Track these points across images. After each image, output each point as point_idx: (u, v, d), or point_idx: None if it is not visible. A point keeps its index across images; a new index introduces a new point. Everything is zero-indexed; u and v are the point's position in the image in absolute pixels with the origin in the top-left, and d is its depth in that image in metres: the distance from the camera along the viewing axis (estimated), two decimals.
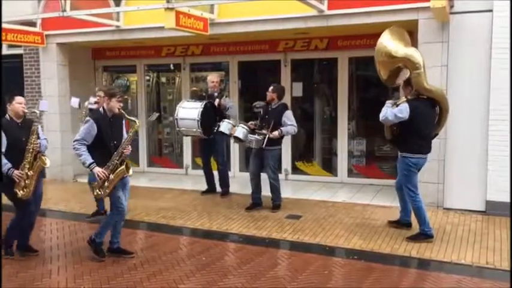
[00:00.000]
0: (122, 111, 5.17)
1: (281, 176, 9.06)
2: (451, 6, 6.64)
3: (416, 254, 5.32)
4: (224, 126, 7.30)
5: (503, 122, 6.47)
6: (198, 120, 7.37)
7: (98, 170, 4.97)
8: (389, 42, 5.63)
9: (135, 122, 5.14)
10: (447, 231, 6.02)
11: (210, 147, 7.93)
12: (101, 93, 6.25)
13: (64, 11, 7.43)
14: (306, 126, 9.35)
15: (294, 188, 8.52)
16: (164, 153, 10.74)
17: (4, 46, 10.26)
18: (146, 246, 5.83)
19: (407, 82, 5.74)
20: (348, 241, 5.76)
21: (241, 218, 6.80)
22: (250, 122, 7.22)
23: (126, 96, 10.53)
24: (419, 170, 5.82)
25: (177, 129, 7.78)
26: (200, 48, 9.61)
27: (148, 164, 10.46)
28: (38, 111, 5.34)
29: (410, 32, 7.73)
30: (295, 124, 6.96)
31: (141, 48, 9.99)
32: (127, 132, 5.31)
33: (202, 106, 7.46)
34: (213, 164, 8.23)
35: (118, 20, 8.63)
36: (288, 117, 6.93)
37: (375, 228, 6.20)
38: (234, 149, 9.47)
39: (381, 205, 7.25)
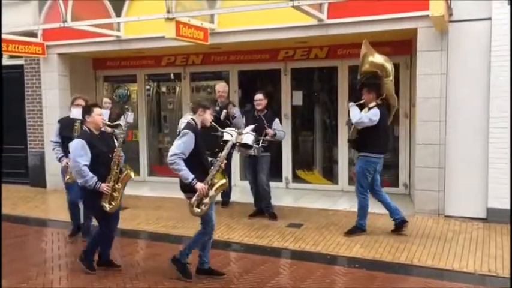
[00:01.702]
0: (214, 123, 5.03)
1: (282, 185, 9.11)
2: (450, 15, 6.69)
3: (418, 262, 5.31)
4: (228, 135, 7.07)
5: (503, 130, 6.49)
6: None
7: (200, 185, 4.68)
8: (370, 51, 6.19)
9: (231, 135, 4.99)
10: (449, 239, 6.02)
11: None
12: (81, 102, 6.16)
13: (65, 21, 7.47)
14: (306, 135, 9.37)
15: (294, 196, 8.52)
16: (165, 162, 10.73)
17: (5, 57, 10.32)
18: (148, 256, 5.82)
19: (372, 89, 6.07)
20: (349, 249, 5.75)
21: (243, 227, 6.79)
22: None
23: (126, 106, 10.58)
24: (377, 170, 6.21)
25: None
26: (200, 57, 9.66)
27: (149, 173, 10.47)
28: (123, 123, 5.18)
29: (409, 41, 7.84)
30: (284, 131, 7.21)
31: (142, 58, 10.05)
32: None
33: None
34: None
35: (119, 30, 8.69)
36: (278, 124, 7.09)
37: (376, 236, 6.19)
38: (235, 157, 9.46)
39: (382, 213, 7.19)
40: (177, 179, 10.17)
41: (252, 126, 6.39)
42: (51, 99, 9.60)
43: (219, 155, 4.92)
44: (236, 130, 7.00)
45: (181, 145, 4.66)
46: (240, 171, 9.62)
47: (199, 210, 4.77)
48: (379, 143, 6.09)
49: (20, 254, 5.96)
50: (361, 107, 6.12)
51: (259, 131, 6.83)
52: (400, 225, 6.22)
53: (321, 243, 5.99)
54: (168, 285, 4.88)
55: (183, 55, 9.71)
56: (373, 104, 6.02)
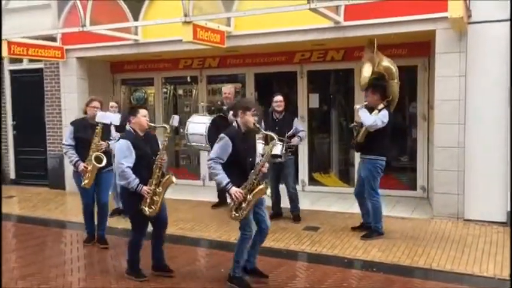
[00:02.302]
0: (257, 125, 4.78)
1: (298, 187, 9.06)
2: (469, 16, 6.61)
3: (437, 266, 5.25)
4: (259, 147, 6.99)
5: None
6: (205, 136, 7.29)
7: (234, 190, 4.54)
8: (378, 54, 6.21)
9: (273, 137, 4.79)
10: (468, 243, 5.94)
11: None
12: (97, 104, 6.09)
13: (84, 25, 7.56)
14: (323, 137, 9.33)
15: (311, 199, 8.48)
16: (181, 164, 10.81)
17: (25, 60, 10.50)
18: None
19: (376, 90, 6.09)
20: (366, 253, 5.71)
21: None
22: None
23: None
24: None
25: (189, 143, 7.76)
26: (217, 60, 9.70)
27: None
28: (168, 126, 5.06)
29: (427, 42, 7.77)
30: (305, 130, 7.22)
31: (159, 61, 10.12)
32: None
33: (210, 121, 7.41)
34: None
35: (136, 34, 8.77)
36: (298, 123, 7.15)
37: (393, 240, 6.14)
38: None
39: (400, 216, 7.18)
40: (193, 182, 10.27)
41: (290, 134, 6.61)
42: (70, 103, 9.72)
43: (260, 159, 4.82)
44: (262, 141, 7.00)
45: (217, 150, 4.61)
46: None
47: (237, 214, 4.65)
48: (386, 145, 6.14)
49: (40, 255, 6.04)
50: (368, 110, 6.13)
51: (280, 135, 6.84)
52: (366, 228, 6.36)
53: (338, 247, 5.96)
54: (184, 286, 4.89)
55: (199, 58, 9.77)
56: (382, 105, 6.05)
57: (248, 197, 4.59)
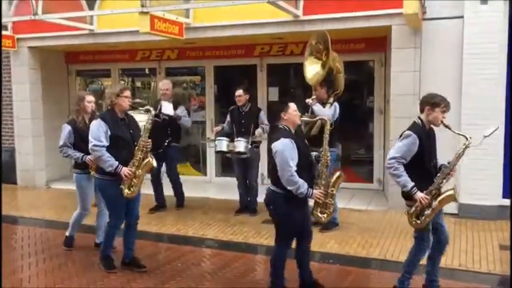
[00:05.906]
0: (447, 124, 4.19)
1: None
2: (424, 13, 6.77)
3: (391, 257, 5.39)
4: (222, 144, 6.89)
5: (475, 126, 6.57)
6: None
7: (420, 195, 4.03)
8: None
9: (466, 138, 4.19)
10: None
11: (162, 158, 7.10)
12: (129, 93, 4.97)
13: (36, 14, 7.29)
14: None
15: None
16: None
17: None
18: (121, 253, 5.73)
19: (324, 84, 6.22)
20: (323, 245, 5.78)
21: (218, 223, 6.77)
22: (215, 128, 7.27)
23: (100, 101, 10.40)
24: None
25: None
26: (176, 52, 9.56)
27: None
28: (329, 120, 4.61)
29: (384, 38, 7.91)
30: (268, 124, 7.09)
31: (116, 52, 9.89)
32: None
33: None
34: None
35: (92, 23, 8.52)
36: (264, 117, 7.15)
37: (350, 232, 6.24)
38: (210, 153, 9.42)
39: (356, 209, 7.31)
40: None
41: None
42: (22, 94, 9.39)
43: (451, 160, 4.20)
44: (226, 139, 6.91)
45: (401, 148, 4.10)
46: (215, 168, 9.58)
47: (418, 222, 4.17)
48: (335, 137, 6.15)
49: None
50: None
51: (246, 127, 6.88)
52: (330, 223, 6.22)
53: None
54: (140, 282, 4.82)
55: (158, 50, 9.59)
56: (332, 99, 6.20)
57: (433, 203, 4.12)
